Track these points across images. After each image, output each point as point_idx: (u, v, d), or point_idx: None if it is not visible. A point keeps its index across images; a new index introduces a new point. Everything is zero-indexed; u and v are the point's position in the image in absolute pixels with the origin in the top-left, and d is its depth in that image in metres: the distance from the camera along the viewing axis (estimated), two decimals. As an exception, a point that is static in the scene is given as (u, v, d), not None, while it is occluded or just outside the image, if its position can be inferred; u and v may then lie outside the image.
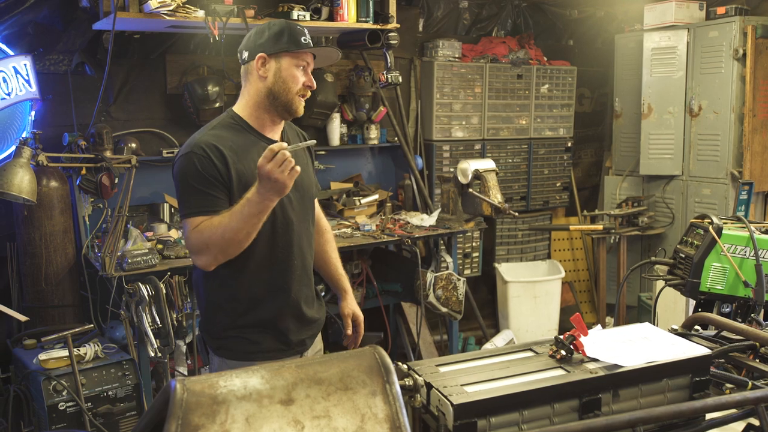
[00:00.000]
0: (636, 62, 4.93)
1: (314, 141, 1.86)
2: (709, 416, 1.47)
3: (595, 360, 1.45)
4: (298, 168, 1.74)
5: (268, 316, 1.94)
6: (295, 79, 1.90)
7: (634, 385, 1.41)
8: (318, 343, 2.14)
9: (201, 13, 3.02)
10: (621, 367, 1.41)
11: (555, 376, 1.39)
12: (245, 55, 1.96)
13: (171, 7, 2.88)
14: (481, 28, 5.10)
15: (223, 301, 1.94)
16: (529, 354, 1.52)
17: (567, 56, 5.35)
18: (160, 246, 3.35)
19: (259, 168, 1.72)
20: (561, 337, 1.49)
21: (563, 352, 1.47)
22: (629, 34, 5.07)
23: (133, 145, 3.69)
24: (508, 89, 4.93)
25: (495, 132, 4.94)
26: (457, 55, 4.77)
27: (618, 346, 1.52)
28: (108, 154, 3.41)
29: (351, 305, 2.23)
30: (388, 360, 1.19)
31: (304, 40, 1.90)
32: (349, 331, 2.22)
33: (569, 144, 5.25)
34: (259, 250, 1.89)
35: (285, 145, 1.72)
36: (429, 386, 1.33)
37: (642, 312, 4.77)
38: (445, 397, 1.28)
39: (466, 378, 1.36)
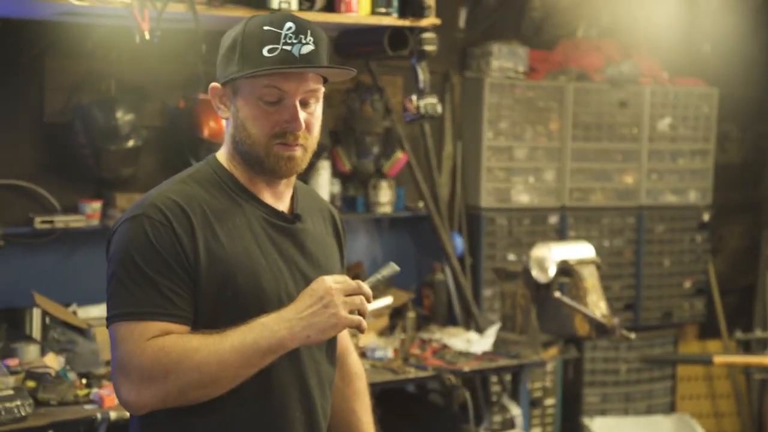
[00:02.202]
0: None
1: (397, 269, 2.04)
2: None
3: None
4: (364, 323, 1.88)
5: None
6: (257, 119, 1.95)
7: None
8: None
9: (124, -4, 3.10)
10: None
11: None
12: None
13: (83, -14, 2.96)
14: (560, 25, 5.11)
15: None
16: None
17: (701, 70, 5.37)
18: (31, 384, 3.28)
19: (316, 283, 1.87)
20: None
21: None
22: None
23: (-17, 208, 3.68)
24: (605, 125, 4.98)
25: (582, 195, 4.96)
26: (521, 69, 4.80)
27: None
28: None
29: None
30: None
31: (270, 51, 1.92)
32: None
33: (706, 217, 5.24)
34: (241, 393, 1.91)
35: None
36: None
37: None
38: None
39: None
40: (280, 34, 1.92)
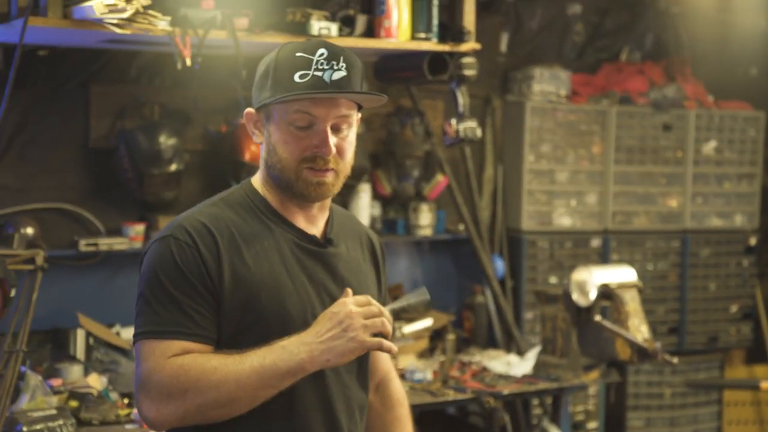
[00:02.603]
0: None
1: (427, 297, 2.04)
2: None
3: None
4: (389, 343, 1.88)
5: None
6: (287, 143, 1.97)
7: None
8: None
9: (164, 24, 3.07)
10: None
11: None
12: None
13: (126, 15, 2.90)
14: (603, 48, 5.19)
15: None
16: None
17: (747, 93, 5.36)
18: (74, 403, 3.30)
19: (336, 305, 1.88)
20: None
21: None
22: None
23: (30, 230, 3.67)
24: (649, 148, 4.99)
25: (626, 219, 4.97)
26: (563, 93, 4.85)
27: None
28: (-13, 245, 3.48)
29: None
30: None
31: (301, 77, 1.94)
32: None
33: (753, 241, 5.24)
34: (263, 413, 1.92)
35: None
36: None
37: None
38: None
39: None
40: (312, 60, 1.94)
